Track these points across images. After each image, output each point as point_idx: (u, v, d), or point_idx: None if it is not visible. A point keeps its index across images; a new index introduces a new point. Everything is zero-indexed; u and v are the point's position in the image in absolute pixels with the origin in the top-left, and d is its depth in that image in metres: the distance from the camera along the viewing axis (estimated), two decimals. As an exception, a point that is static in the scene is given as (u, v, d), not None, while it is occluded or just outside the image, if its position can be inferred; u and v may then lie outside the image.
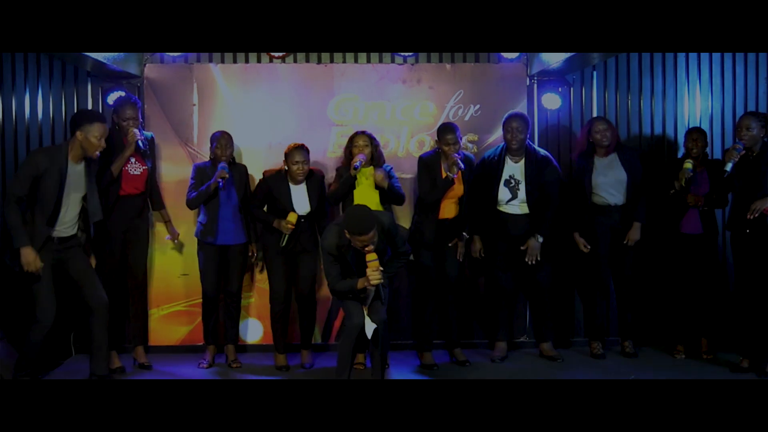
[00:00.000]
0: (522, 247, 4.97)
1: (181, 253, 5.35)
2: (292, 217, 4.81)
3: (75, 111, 5.33)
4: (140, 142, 4.75)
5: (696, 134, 5.07)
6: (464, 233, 5.01)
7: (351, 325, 4.25)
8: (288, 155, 4.84)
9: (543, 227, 4.96)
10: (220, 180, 4.78)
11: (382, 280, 4.09)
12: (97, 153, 4.31)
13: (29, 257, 4.16)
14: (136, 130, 4.74)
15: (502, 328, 5.23)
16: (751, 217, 4.59)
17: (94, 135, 4.25)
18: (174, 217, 5.24)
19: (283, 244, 4.86)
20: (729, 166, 4.68)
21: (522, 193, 5.00)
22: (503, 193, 5.03)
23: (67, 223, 4.31)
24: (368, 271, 4.08)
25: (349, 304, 4.30)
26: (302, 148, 4.84)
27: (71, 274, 4.38)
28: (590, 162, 5.14)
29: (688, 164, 4.94)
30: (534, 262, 4.96)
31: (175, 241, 5.20)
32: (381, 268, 4.09)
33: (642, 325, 5.53)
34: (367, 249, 4.08)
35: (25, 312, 4.95)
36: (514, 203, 5.04)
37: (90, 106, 5.40)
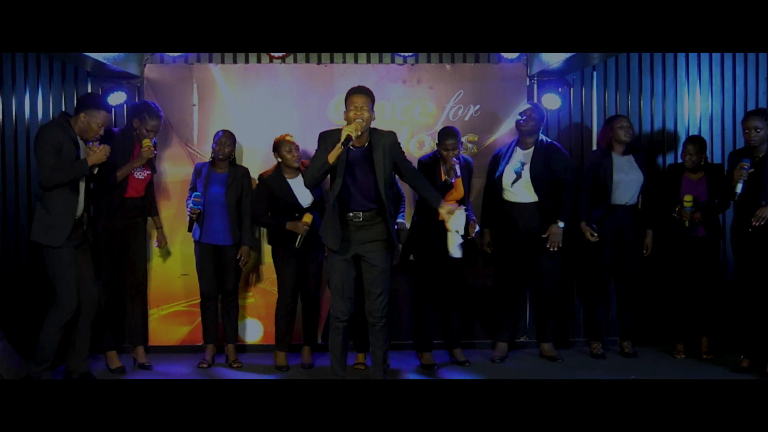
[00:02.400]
0: (543, 235, 4.99)
1: (181, 253, 5.35)
2: (307, 218, 4.80)
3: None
4: (154, 161, 4.82)
5: (691, 146, 5.04)
6: (477, 224, 5.02)
7: (334, 314, 4.20)
8: (279, 146, 4.89)
9: (562, 212, 5.00)
10: (188, 212, 4.88)
11: (355, 133, 3.90)
12: (94, 140, 4.29)
13: (97, 153, 4.22)
14: (152, 145, 4.78)
15: (505, 328, 5.23)
16: (756, 224, 4.59)
17: (97, 122, 4.29)
18: (174, 217, 5.28)
19: (298, 246, 4.81)
20: (739, 188, 4.65)
21: (526, 173, 5.01)
22: (508, 175, 5.05)
23: (81, 198, 4.35)
24: (345, 126, 3.95)
25: (334, 292, 4.18)
26: (292, 143, 4.90)
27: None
28: (609, 158, 5.13)
29: (688, 203, 4.94)
30: (556, 249, 4.98)
31: (161, 247, 5.21)
32: (359, 132, 3.94)
33: (642, 325, 5.53)
34: (357, 117, 3.96)
35: (27, 312, 4.99)
36: (518, 186, 5.03)
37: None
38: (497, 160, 5.17)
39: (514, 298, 5.18)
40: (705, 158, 5.11)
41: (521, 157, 5.07)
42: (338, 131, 4.08)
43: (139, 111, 4.89)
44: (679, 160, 5.28)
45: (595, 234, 5.08)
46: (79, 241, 4.36)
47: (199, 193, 4.89)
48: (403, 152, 4.18)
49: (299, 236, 4.81)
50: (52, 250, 4.25)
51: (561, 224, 4.98)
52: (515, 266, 5.11)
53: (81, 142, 4.31)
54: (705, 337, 5.19)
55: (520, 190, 5.04)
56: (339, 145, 3.91)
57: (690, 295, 5.14)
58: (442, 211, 4.12)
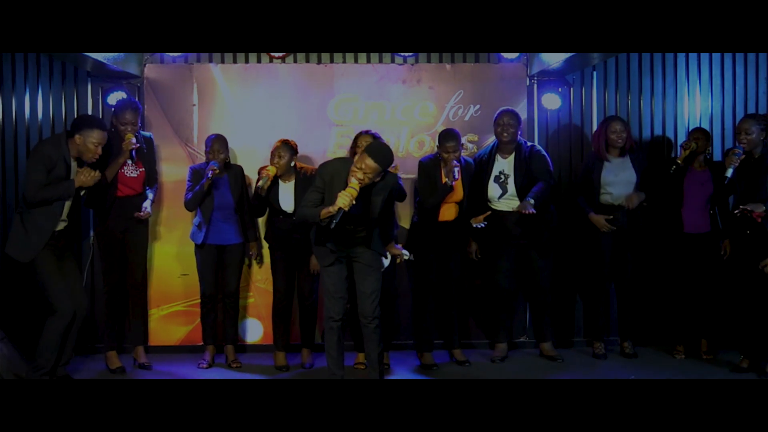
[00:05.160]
0: (513, 209, 4.89)
1: (181, 253, 5.34)
2: (271, 170, 4.79)
3: (75, 112, 5.33)
4: (133, 152, 4.74)
5: (698, 133, 5.06)
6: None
7: (328, 316, 4.27)
8: (273, 151, 4.89)
9: (534, 192, 4.82)
10: (209, 172, 4.80)
11: (346, 207, 3.87)
12: (92, 159, 4.32)
13: (86, 176, 4.23)
14: (133, 139, 4.71)
15: (503, 329, 5.22)
16: (738, 213, 4.60)
17: (92, 141, 4.29)
18: (173, 218, 5.31)
19: (264, 187, 4.77)
20: (729, 172, 4.67)
21: (511, 186, 5.00)
22: (493, 190, 5.03)
23: (65, 216, 4.36)
24: (341, 193, 3.90)
25: (327, 294, 4.25)
26: (285, 144, 4.87)
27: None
28: (600, 160, 5.13)
29: (693, 144, 4.97)
30: (528, 212, 4.71)
31: (143, 214, 4.93)
32: (354, 202, 3.90)
33: (642, 325, 5.53)
34: (357, 177, 3.94)
35: (27, 312, 4.99)
36: (504, 199, 5.03)
37: (90, 106, 5.40)
38: (479, 168, 5.09)
39: (508, 300, 5.17)
40: (710, 154, 5.13)
41: (503, 167, 5.04)
42: (337, 164, 4.13)
43: (114, 109, 4.92)
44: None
45: (610, 217, 5.05)
46: (60, 250, 4.37)
47: (215, 162, 4.85)
48: (404, 193, 4.49)
49: (264, 182, 4.76)
50: (34, 265, 4.27)
51: (531, 201, 4.75)
52: (506, 267, 5.10)
53: (73, 164, 4.33)
54: (704, 339, 5.19)
55: (506, 203, 5.03)
56: (333, 209, 3.91)
57: (690, 295, 5.14)
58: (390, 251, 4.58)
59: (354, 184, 3.92)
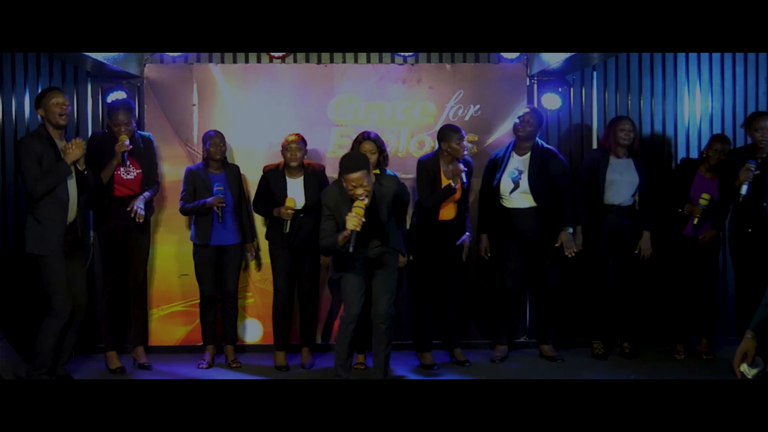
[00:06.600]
0: (556, 245, 5.00)
1: (181, 253, 5.34)
2: (290, 202, 4.81)
3: (76, 112, 5.34)
4: (125, 155, 4.70)
5: (719, 144, 4.96)
6: (468, 233, 5.01)
7: (347, 315, 4.28)
8: (284, 145, 4.91)
9: (568, 219, 5.01)
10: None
11: (357, 228, 3.95)
12: (63, 118, 4.30)
13: (73, 150, 4.23)
14: (126, 141, 4.69)
15: (504, 330, 5.22)
16: None
17: (49, 101, 4.28)
18: (171, 219, 5.32)
19: (287, 230, 4.85)
20: (744, 189, 4.62)
21: (524, 182, 4.99)
22: (505, 184, 5.03)
23: (73, 202, 4.35)
24: (348, 215, 3.97)
25: (348, 293, 4.28)
26: (298, 138, 4.92)
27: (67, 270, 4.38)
28: (606, 158, 5.12)
29: (705, 200, 4.91)
30: (573, 255, 5.00)
31: (134, 216, 4.95)
32: (363, 219, 3.95)
33: (642, 325, 5.52)
34: (358, 194, 4.00)
35: (26, 312, 4.99)
36: (516, 194, 5.02)
37: (90, 106, 5.41)
38: (494, 165, 5.12)
39: (513, 301, 5.18)
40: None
41: (518, 164, 5.04)
42: (335, 188, 4.17)
43: (107, 109, 4.92)
44: (693, 155, 5.25)
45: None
46: (71, 247, 4.37)
47: (222, 186, 4.89)
48: (407, 192, 4.44)
49: (286, 222, 4.84)
50: (43, 259, 4.27)
51: (570, 230, 5.01)
52: (514, 268, 5.10)
53: (60, 143, 4.32)
54: (705, 339, 5.19)
55: (518, 198, 5.03)
56: (347, 233, 3.97)
57: (690, 296, 5.13)
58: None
59: (358, 203, 3.98)
